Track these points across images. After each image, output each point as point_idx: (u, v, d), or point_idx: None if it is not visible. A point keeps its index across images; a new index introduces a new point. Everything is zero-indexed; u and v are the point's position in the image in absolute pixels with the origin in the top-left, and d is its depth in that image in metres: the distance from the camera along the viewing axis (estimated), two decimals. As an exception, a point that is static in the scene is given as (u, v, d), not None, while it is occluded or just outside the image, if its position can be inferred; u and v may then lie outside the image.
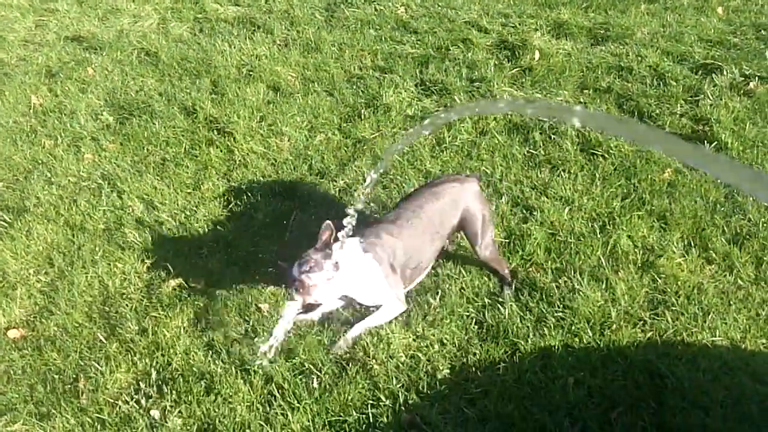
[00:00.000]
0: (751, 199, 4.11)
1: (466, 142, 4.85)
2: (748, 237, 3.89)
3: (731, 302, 3.53)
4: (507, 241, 3.98)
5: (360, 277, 3.41)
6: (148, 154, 5.03)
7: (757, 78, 5.31)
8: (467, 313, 3.57)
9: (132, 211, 4.46)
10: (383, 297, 3.49)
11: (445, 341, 3.43)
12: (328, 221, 3.35)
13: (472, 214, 3.61)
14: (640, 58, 5.73)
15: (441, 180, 3.82)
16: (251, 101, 5.51)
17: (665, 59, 5.70)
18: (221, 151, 4.97)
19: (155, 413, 3.21)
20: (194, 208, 4.47)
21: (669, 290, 3.61)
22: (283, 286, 3.64)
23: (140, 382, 3.37)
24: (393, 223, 3.55)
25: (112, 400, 3.30)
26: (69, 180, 4.83)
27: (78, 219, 4.43)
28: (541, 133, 4.84)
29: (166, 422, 3.16)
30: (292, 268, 3.28)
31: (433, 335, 3.44)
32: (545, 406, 3.09)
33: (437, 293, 3.66)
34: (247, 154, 4.92)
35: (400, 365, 3.31)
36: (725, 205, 4.12)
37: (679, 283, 3.64)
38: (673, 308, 3.51)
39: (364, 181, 4.47)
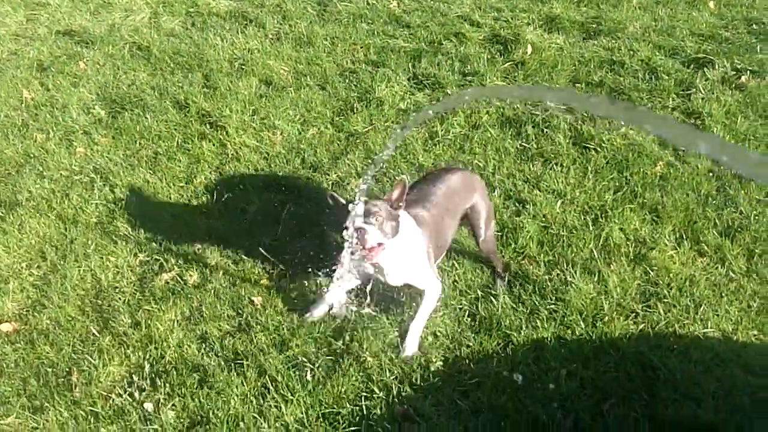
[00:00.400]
0: (743, 192, 4.14)
1: (458, 136, 4.85)
2: (739, 230, 3.91)
3: (723, 294, 3.55)
4: (500, 233, 3.98)
5: (404, 251, 3.26)
6: (141, 148, 5.01)
7: (748, 72, 5.33)
8: (460, 306, 3.58)
9: (124, 205, 4.45)
10: (422, 278, 3.37)
11: (438, 334, 3.44)
12: (403, 176, 3.22)
13: (480, 203, 3.61)
14: (632, 52, 5.75)
15: (447, 167, 3.83)
16: (243, 95, 5.49)
17: (657, 53, 5.71)
18: (214, 144, 4.96)
19: (149, 406, 3.21)
20: (187, 202, 4.47)
21: (661, 282, 3.64)
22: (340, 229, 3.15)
23: (133, 375, 3.37)
24: (417, 203, 3.43)
25: (106, 393, 3.30)
26: (61, 174, 4.80)
27: (70, 213, 4.41)
28: (533, 127, 4.84)
29: (160, 415, 3.16)
30: (353, 215, 3.05)
31: (426, 328, 3.44)
32: (538, 398, 3.10)
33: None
34: (240, 147, 4.91)
35: (394, 358, 3.31)
36: (717, 198, 4.15)
37: (671, 275, 3.66)
38: (665, 300, 3.53)
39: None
